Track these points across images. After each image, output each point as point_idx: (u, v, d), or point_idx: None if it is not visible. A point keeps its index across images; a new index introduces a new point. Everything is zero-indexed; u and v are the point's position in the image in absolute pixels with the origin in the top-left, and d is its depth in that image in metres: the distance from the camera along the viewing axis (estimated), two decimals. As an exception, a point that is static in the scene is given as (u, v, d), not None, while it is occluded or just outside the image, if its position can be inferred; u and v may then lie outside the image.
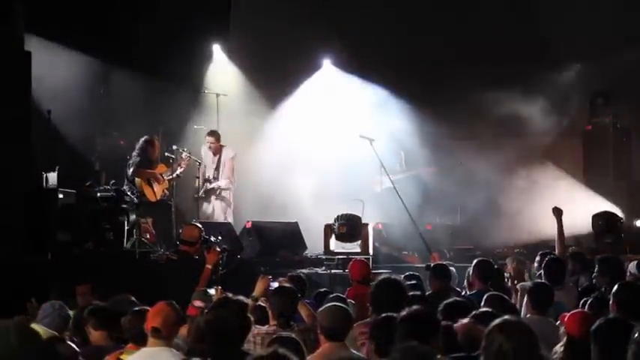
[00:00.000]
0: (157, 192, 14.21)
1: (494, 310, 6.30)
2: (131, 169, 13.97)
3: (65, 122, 14.25)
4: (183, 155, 14.49)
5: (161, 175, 14.35)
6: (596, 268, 8.91)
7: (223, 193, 15.31)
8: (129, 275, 11.18)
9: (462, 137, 16.79)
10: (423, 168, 15.97)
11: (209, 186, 15.21)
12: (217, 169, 15.25)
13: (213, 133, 15.31)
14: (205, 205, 15.28)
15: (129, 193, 13.68)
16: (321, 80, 17.94)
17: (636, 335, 4.49)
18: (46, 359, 5.57)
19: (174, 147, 14.77)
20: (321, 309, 6.63)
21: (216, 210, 15.28)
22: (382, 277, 7.63)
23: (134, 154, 14.14)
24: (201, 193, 15.16)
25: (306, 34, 16.37)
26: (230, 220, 15.19)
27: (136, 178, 13.99)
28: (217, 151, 15.21)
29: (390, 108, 17.03)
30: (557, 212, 10.68)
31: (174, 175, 14.38)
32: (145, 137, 14.29)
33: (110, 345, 6.76)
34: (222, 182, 15.22)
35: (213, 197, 15.30)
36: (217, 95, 16.67)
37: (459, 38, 16.44)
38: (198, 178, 15.06)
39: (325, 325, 6.31)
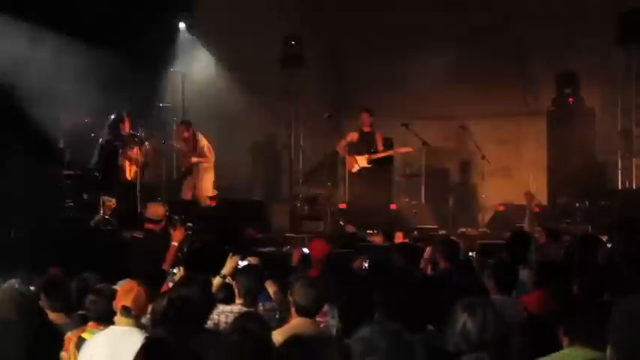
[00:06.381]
0: (131, 171, 14.17)
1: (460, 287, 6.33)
2: (121, 149, 13.90)
3: (28, 99, 14.14)
4: (147, 144, 14.37)
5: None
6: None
7: (208, 170, 15.25)
8: (93, 253, 11.11)
9: (427, 117, 16.82)
10: (398, 148, 15.90)
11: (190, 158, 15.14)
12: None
13: (183, 122, 15.25)
14: (191, 179, 15.24)
15: (94, 172, 13.63)
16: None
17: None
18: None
19: (141, 127, 14.65)
20: (295, 285, 6.57)
21: (201, 184, 15.22)
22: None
23: (106, 131, 14.06)
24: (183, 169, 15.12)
25: (273, 14, 16.31)
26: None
27: (121, 154, 13.94)
28: (189, 141, 15.12)
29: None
30: (529, 197, 11.04)
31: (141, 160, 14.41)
32: (115, 115, 14.19)
33: (69, 323, 6.68)
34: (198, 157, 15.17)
35: (197, 172, 15.24)
36: (183, 74, 16.56)
37: (428, 16, 16.51)
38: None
39: (299, 302, 6.24)
